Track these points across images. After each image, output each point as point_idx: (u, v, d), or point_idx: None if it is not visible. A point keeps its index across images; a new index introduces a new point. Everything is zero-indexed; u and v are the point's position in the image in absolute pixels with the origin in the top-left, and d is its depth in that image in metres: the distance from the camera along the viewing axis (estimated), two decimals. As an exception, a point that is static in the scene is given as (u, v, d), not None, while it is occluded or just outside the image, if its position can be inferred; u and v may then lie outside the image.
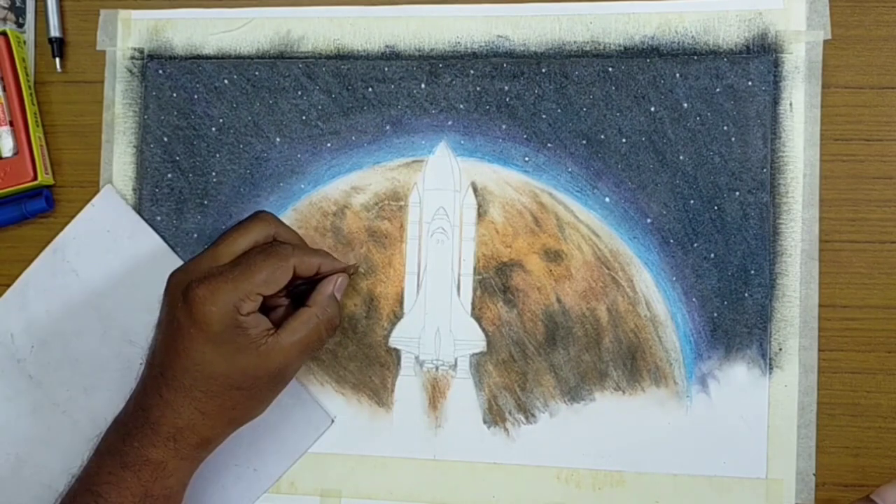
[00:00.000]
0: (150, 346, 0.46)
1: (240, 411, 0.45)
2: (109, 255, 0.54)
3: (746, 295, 0.49)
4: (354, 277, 0.52)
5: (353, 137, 0.52)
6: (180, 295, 0.43)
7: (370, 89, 0.52)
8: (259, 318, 0.44)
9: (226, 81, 0.53)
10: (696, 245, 0.50)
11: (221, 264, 0.44)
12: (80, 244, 0.54)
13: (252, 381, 0.44)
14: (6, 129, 0.54)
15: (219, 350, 0.42)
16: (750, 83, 0.49)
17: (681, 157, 0.50)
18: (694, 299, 0.49)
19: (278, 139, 0.53)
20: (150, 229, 0.53)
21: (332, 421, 0.51)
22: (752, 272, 0.49)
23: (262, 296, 0.43)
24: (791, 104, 0.49)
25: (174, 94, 0.54)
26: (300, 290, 0.48)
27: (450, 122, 0.52)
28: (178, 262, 0.52)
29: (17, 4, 0.56)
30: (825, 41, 0.49)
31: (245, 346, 0.43)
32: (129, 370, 0.52)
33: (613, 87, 0.50)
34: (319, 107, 0.53)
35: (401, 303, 0.52)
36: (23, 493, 0.53)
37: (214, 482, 0.51)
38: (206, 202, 0.53)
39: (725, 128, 0.50)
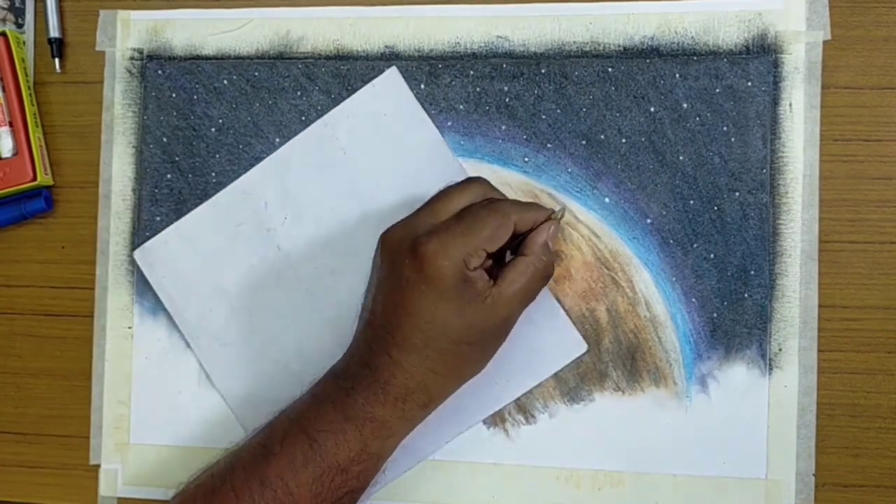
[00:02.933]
0: (367, 305, 0.45)
1: (468, 367, 0.45)
2: (381, 140, 0.52)
3: (746, 295, 0.49)
4: None
5: (353, 138, 0.52)
6: (407, 251, 0.42)
7: (370, 90, 0.52)
8: (482, 274, 0.43)
9: (225, 82, 0.53)
10: (695, 245, 0.50)
11: (443, 220, 0.44)
12: (354, 122, 0.52)
13: (481, 334, 0.43)
14: (6, 129, 0.54)
15: (450, 305, 0.42)
16: (750, 83, 0.49)
17: (680, 158, 0.50)
18: (693, 300, 0.49)
19: (278, 139, 0.53)
20: (428, 120, 0.51)
21: (588, 348, 0.50)
22: (752, 273, 0.49)
23: (486, 251, 0.43)
24: (791, 105, 0.49)
25: (174, 95, 0.54)
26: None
27: (449, 123, 0.52)
28: (453, 160, 0.51)
29: (17, 5, 0.56)
30: (825, 42, 0.49)
31: (473, 300, 0.42)
32: None
33: (613, 88, 0.50)
34: (319, 107, 0.53)
35: (401, 303, 0.51)
36: (251, 363, 0.52)
37: (460, 391, 0.48)
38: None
39: (725, 128, 0.50)
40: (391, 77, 0.52)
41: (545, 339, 0.50)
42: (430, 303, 0.42)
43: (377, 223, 0.49)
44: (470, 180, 0.47)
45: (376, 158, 0.52)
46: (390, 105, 0.52)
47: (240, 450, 0.44)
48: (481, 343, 0.44)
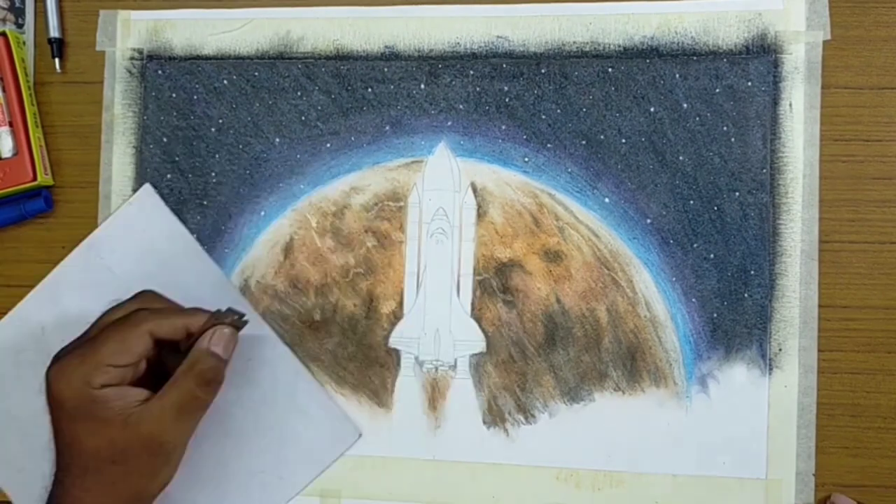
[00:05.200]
0: None
1: (124, 486, 0.43)
2: (145, 255, 0.52)
3: (746, 295, 0.49)
4: (354, 279, 0.52)
5: (353, 138, 0.53)
6: (44, 377, 0.42)
7: (370, 90, 0.52)
8: (123, 391, 0.42)
9: (225, 82, 0.53)
10: (695, 245, 0.50)
11: (81, 343, 0.43)
12: (116, 242, 0.53)
13: (123, 454, 0.42)
14: (6, 129, 0.54)
15: (82, 426, 0.41)
16: (749, 83, 0.49)
17: (680, 158, 0.50)
18: (694, 300, 0.49)
19: (278, 139, 0.53)
20: (186, 231, 0.52)
21: (360, 435, 0.51)
22: (752, 272, 0.49)
23: (117, 366, 0.42)
24: (791, 104, 0.49)
25: (174, 95, 0.54)
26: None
27: (449, 123, 0.52)
28: (213, 267, 0.52)
29: (17, 5, 0.56)
30: (825, 41, 0.49)
31: (110, 419, 0.41)
32: None
33: (613, 88, 0.50)
34: (319, 107, 0.53)
35: (401, 303, 0.52)
36: (32, 486, 0.52)
37: (239, 489, 0.51)
38: (206, 202, 0.53)
39: (725, 128, 0.50)
40: (146, 194, 0.53)
41: (321, 429, 0.50)
42: (65, 425, 0.42)
43: None
44: (136, 295, 0.45)
45: (142, 273, 0.52)
46: (147, 221, 0.53)
47: None
48: (130, 462, 0.42)
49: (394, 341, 0.51)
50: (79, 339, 0.44)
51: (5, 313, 0.56)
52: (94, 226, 0.54)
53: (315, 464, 0.51)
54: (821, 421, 0.49)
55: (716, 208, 0.49)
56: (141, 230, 0.53)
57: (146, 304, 0.44)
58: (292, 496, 0.51)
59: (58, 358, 0.43)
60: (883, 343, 0.49)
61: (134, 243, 0.53)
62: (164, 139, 0.54)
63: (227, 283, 0.52)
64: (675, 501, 0.49)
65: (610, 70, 0.50)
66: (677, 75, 0.50)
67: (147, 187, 0.53)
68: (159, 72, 0.54)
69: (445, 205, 0.51)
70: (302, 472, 0.51)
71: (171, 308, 0.45)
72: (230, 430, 0.51)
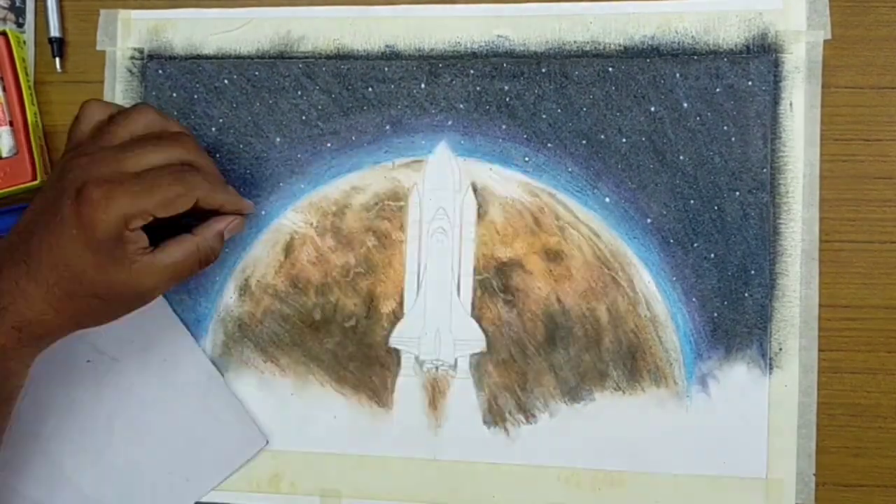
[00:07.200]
0: (21, 222, 0.43)
1: (92, 318, 0.44)
2: None
3: (746, 295, 0.49)
4: (355, 278, 0.52)
5: (353, 137, 0.53)
6: (73, 190, 0.40)
7: (370, 89, 0.52)
8: (139, 235, 0.41)
9: (226, 81, 0.53)
10: (696, 245, 0.50)
11: (125, 170, 0.41)
12: None
13: (115, 295, 0.42)
14: (6, 129, 0.54)
15: (94, 257, 0.41)
16: (750, 83, 0.49)
17: (681, 157, 0.50)
18: (694, 299, 0.49)
19: (278, 139, 0.53)
20: None
21: (267, 442, 0.51)
22: (752, 272, 0.49)
23: (154, 216, 0.42)
24: (791, 104, 0.49)
25: (174, 94, 0.54)
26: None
27: (450, 122, 0.52)
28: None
29: (17, 4, 0.56)
30: (825, 41, 0.49)
31: (119, 260, 0.41)
32: (91, 371, 0.52)
33: (613, 87, 0.51)
34: (319, 107, 0.53)
35: (401, 303, 0.52)
36: None
37: (147, 488, 0.51)
38: (206, 202, 0.53)
39: (725, 128, 0.50)
40: None
41: (231, 435, 0.51)
42: (76, 248, 0.40)
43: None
44: (136, 107, 0.45)
45: None
46: None
47: None
48: (113, 303, 0.43)
49: (394, 341, 0.51)
50: (108, 155, 0.42)
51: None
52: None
53: (222, 468, 0.51)
54: (821, 421, 0.49)
55: (716, 208, 0.49)
56: None
57: (188, 152, 0.44)
58: (197, 498, 0.51)
59: (105, 180, 0.40)
60: (883, 343, 0.49)
61: None
62: (165, 139, 0.54)
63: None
64: (675, 501, 0.49)
65: (610, 69, 0.51)
66: (678, 75, 0.50)
67: None
68: (160, 71, 0.54)
69: (446, 204, 0.51)
70: (208, 475, 0.51)
71: (216, 179, 0.46)
72: (142, 429, 0.52)
